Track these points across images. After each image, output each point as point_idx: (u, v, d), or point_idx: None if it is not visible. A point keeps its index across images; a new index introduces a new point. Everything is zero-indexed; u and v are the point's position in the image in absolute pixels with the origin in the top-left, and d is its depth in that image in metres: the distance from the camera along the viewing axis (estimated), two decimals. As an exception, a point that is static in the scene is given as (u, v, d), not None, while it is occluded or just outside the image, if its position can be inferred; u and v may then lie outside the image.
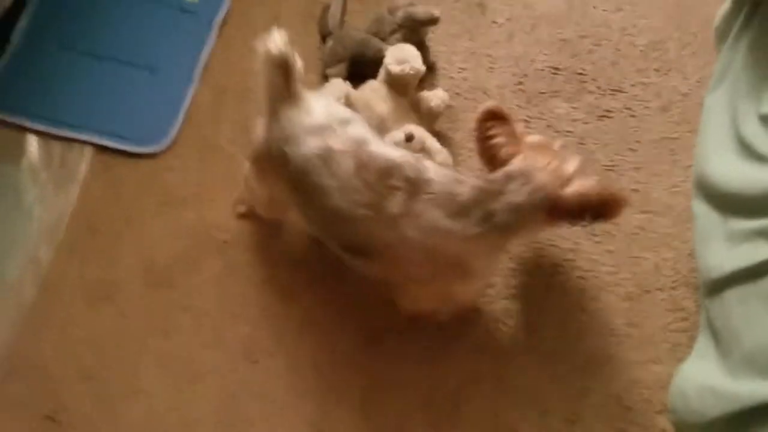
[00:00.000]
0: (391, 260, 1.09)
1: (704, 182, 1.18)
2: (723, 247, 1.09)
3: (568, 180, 1.08)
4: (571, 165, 1.11)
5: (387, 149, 1.08)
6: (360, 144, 1.06)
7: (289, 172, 1.07)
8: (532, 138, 1.16)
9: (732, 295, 1.04)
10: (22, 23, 1.47)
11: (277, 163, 1.08)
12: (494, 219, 1.04)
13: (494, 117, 1.13)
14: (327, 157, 1.04)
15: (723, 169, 1.13)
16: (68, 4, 1.50)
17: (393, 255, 1.08)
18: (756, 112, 1.10)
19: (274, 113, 1.09)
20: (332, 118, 1.08)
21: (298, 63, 1.10)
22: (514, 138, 1.12)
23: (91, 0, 1.51)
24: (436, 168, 1.08)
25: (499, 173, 1.08)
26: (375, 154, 1.06)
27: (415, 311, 1.23)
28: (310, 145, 1.05)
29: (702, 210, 1.18)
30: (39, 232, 1.32)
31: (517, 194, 1.05)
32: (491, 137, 1.12)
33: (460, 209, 1.04)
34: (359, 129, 1.09)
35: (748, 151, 1.09)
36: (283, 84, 1.08)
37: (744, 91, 1.15)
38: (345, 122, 1.08)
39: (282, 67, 1.07)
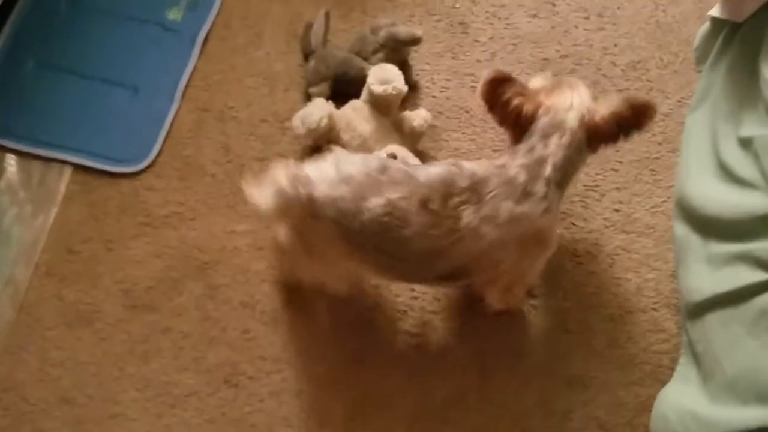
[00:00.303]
0: (487, 266, 1.10)
1: (685, 204, 1.19)
2: (704, 270, 1.10)
3: (594, 108, 1.10)
4: (585, 91, 1.13)
5: (430, 170, 1.08)
6: (410, 180, 1.06)
7: (355, 241, 1.06)
8: (539, 82, 1.17)
9: (713, 319, 1.05)
10: (2, 40, 1.46)
11: (334, 235, 1.06)
12: (552, 183, 1.07)
13: (499, 82, 1.11)
14: (391, 210, 1.03)
15: (703, 192, 1.14)
16: (49, 22, 1.49)
17: (488, 261, 1.08)
18: (735, 134, 1.12)
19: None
20: (373, 170, 1.06)
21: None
22: (527, 92, 1.12)
23: (72, 19, 1.50)
24: (474, 164, 1.09)
25: (534, 138, 1.08)
26: (427, 181, 1.05)
27: (508, 303, 1.22)
28: (372, 207, 1.03)
29: (683, 232, 1.19)
30: (17, 253, 1.30)
31: (559, 150, 1.07)
32: (508, 102, 1.10)
33: (523, 191, 1.06)
34: (398, 166, 1.09)
35: (727, 174, 1.10)
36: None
37: (723, 114, 1.16)
38: (384, 168, 1.07)
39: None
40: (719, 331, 1.02)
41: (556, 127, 1.08)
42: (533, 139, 1.08)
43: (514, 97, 1.10)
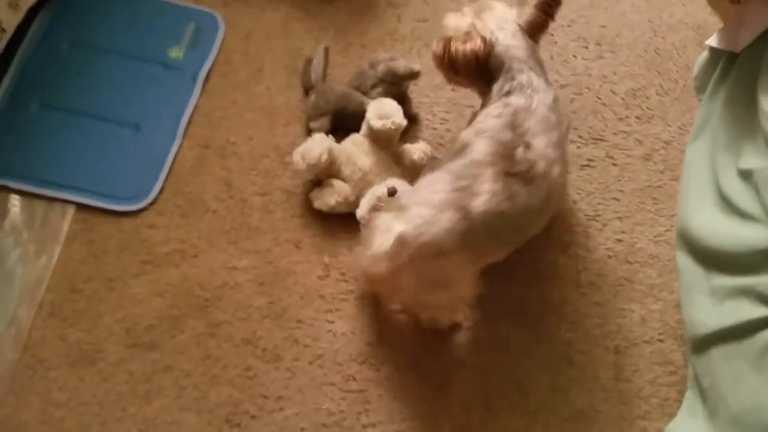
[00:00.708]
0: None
1: (687, 236, 1.18)
2: (707, 303, 1.08)
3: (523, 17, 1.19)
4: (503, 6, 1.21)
5: (478, 149, 1.12)
6: (477, 168, 1.10)
7: (479, 244, 1.12)
8: (462, 21, 1.21)
9: (718, 353, 1.03)
10: (6, 83, 1.48)
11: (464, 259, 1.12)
12: (543, 78, 1.18)
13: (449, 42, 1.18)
14: (496, 196, 1.08)
15: (705, 224, 1.13)
16: (52, 64, 1.51)
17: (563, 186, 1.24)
18: (735, 166, 1.10)
19: None
20: (449, 186, 1.11)
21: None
22: (464, 36, 1.17)
23: (74, 59, 1.52)
24: (484, 123, 1.15)
25: (503, 71, 1.16)
26: (487, 156, 1.11)
27: None
28: (479, 206, 1.07)
29: (686, 263, 1.17)
30: (20, 293, 1.31)
31: (526, 64, 1.16)
32: (456, 52, 1.17)
33: (543, 105, 1.14)
34: (464, 161, 1.12)
35: (728, 206, 1.09)
36: None
37: (723, 145, 1.15)
38: (454, 177, 1.11)
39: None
40: (724, 365, 1.00)
41: (509, 47, 1.16)
42: (504, 70, 1.15)
43: (462, 44, 1.16)
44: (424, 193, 1.14)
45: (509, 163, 1.09)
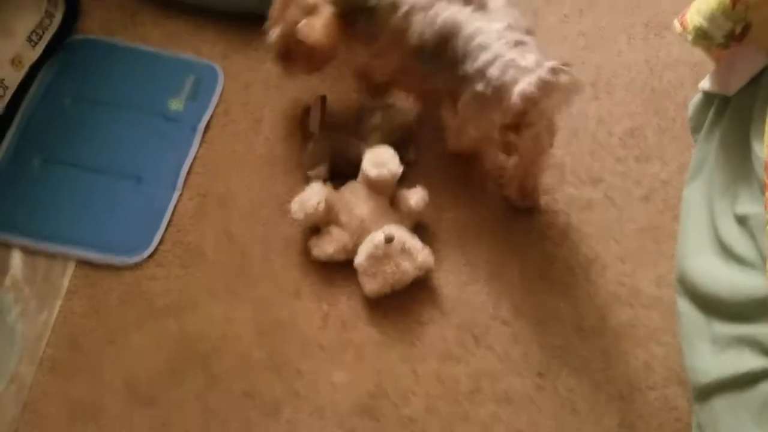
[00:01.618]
0: None
1: (686, 281, 1.16)
2: (708, 351, 1.06)
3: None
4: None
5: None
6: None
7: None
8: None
9: (720, 403, 1.01)
10: (9, 139, 1.50)
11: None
12: None
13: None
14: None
15: (703, 270, 1.12)
16: (54, 119, 1.53)
17: None
18: (732, 210, 1.10)
19: None
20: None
21: None
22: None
23: (77, 113, 1.54)
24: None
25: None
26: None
27: None
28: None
29: (686, 309, 1.16)
30: (21, 350, 1.31)
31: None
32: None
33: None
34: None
35: (726, 251, 1.08)
36: None
37: (719, 188, 1.14)
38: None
39: None
40: (726, 417, 0.98)
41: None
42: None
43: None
44: None
45: None
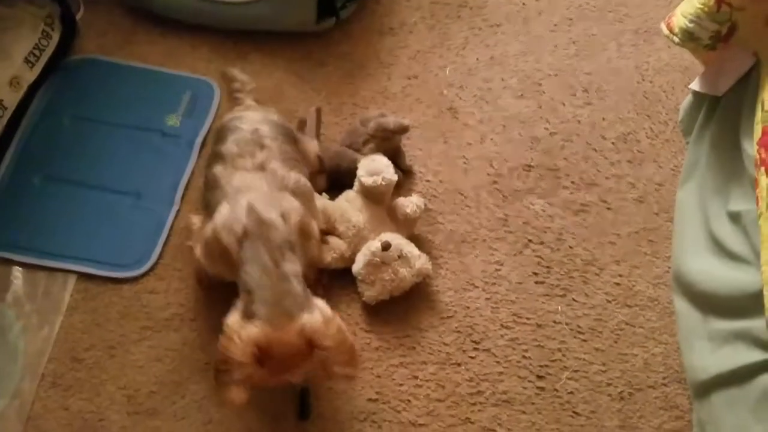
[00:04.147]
0: None
1: (682, 280, 1.17)
2: (706, 348, 1.07)
3: None
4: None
5: None
6: None
7: None
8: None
9: (719, 399, 1.02)
10: (8, 158, 1.52)
11: None
12: None
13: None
14: None
15: (698, 268, 1.13)
16: (53, 137, 1.55)
17: None
18: (725, 208, 1.11)
19: None
20: None
21: None
22: None
23: (75, 132, 1.56)
24: None
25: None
26: None
27: None
28: None
29: (683, 307, 1.17)
30: (23, 366, 1.32)
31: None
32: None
33: None
34: None
35: (720, 249, 1.09)
36: None
37: (712, 188, 1.16)
38: None
39: None
40: (725, 413, 0.99)
41: None
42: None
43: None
44: None
45: None
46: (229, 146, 1.22)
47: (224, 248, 1.13)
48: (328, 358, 1.05)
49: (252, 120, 1.26)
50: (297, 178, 1.21)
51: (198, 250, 1.19)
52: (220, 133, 1.27)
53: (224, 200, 1.15)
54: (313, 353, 1.05)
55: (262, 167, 1.19)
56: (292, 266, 1.09)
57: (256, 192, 1.15)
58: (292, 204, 1.16)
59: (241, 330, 1.04)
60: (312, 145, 1.42)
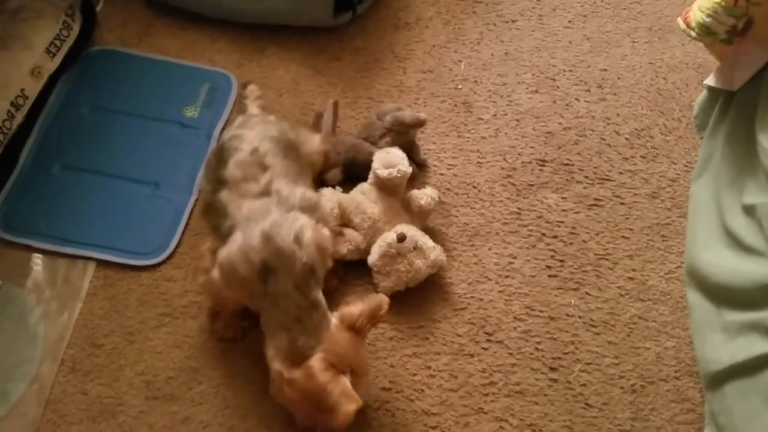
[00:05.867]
0: None
1: (696, 273, 1.19)
2: (719, 340, 1.09)
3: None
4: None
5: None
6: None
7: None
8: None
9: (732, 390, 1.03)
10: (29, 146, 1.54)
11: None
12: None
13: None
14: None
15: (712, 260, 1.14)
16: (73, 127, 1.57)
17: None
18: (739, 202, 1.12)
19: None
20: None
21: None
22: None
23: (95, 122, 1.58)
24: None
25: None
26: None
27: None
28: None
29: (696, 300, 1.18)
30: (43, 350, 1.34)
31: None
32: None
33: None
34: None
35: (735, 241, 1.10)
36: None
37: (726, 182, 1.17)
38: None
39: None
40: (738, 402, 1.00)
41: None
42: None
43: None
44: None
45: None
46: (231, 171, 1.23)
47: (242, 278, 1.15)
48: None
49: (250, 139, 1.26)
50: (302, 192, 1.22)
51: (215, 273, 1.19)
52: (220, 154, 1.28)
53: (236, 229, 1.17)
54: None
55: (267, 192, 1.20)
56: (317, 291, 1.15)
57: (266, 219, 1.16)
58: (303, 221, 1.18)
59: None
60: (315, 145, 1.43)
